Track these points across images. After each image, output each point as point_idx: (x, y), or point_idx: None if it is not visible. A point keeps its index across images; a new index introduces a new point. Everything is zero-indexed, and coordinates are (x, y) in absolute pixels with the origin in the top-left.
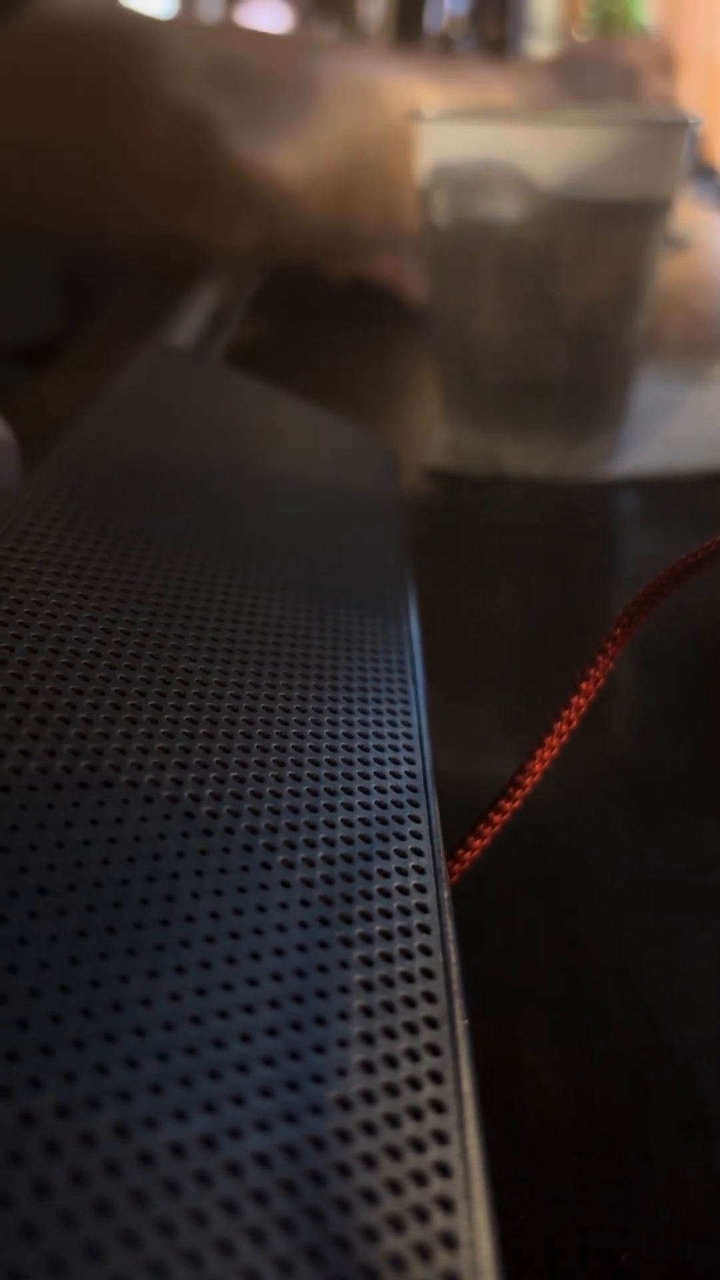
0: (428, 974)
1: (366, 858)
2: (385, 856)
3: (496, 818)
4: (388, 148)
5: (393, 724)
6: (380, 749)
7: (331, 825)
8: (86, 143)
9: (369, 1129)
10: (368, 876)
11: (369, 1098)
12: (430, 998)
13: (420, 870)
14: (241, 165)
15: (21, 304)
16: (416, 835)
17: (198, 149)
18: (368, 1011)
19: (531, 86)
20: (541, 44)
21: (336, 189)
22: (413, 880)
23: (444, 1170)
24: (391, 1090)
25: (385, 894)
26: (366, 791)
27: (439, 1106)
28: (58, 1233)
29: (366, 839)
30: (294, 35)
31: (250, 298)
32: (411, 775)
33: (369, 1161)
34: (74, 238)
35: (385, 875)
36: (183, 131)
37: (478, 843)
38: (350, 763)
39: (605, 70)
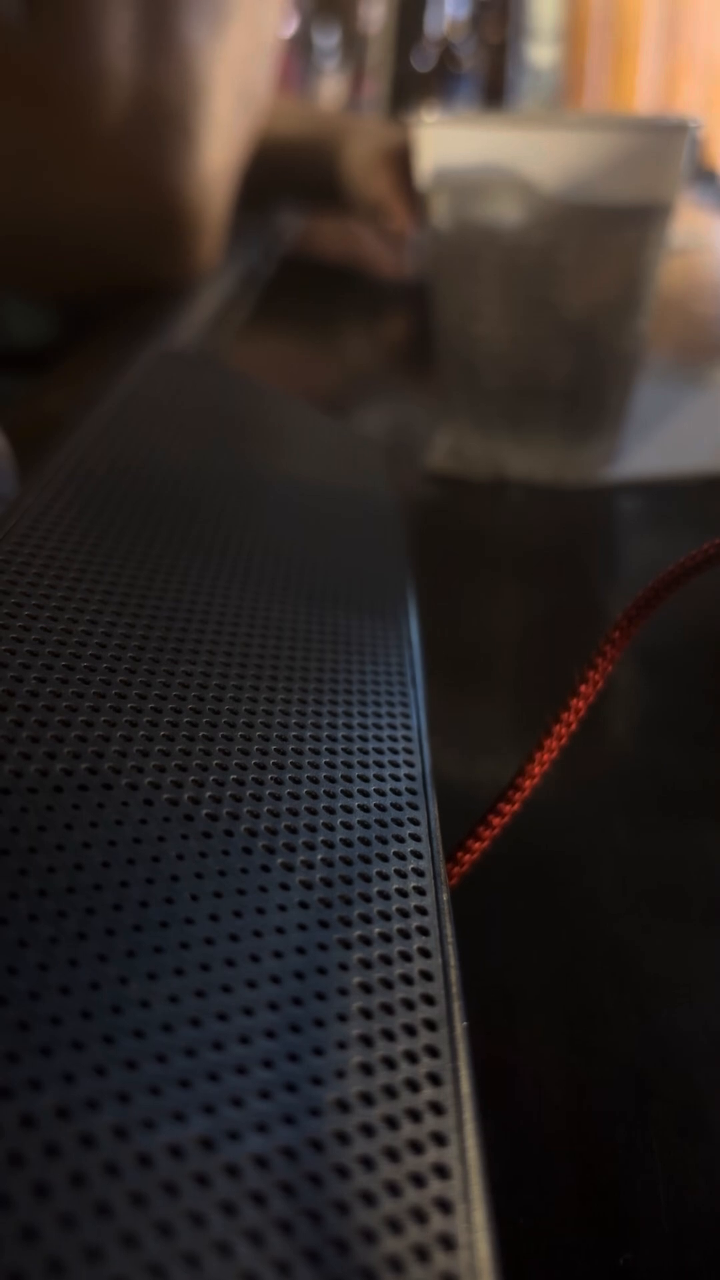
0: (427, 976)
1: (366, 860)
2: (384, 859)
3: (496, 820)
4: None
5: (392, 726)
6: (380, 751)
7: (331, 828)
8: (25, 191)
9: (367, 1131)
10: (367, 879)
11: (367, 1100)
12: (429, 1000)
13: (420, 873)
14: (183, 190)
15: (22, 308)
16: (416, 838)
17: (143, 189)
18: (366, 1014)
19: None
20: (542, 48)
21: (236, 172)
22: (412, 882)
23: (442, 1172)
24: (390, 1092)
25: (384, 896)
26: (366, 794)
27: (437, 1109)
28: (58, 1234)
29: (366, 841)
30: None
31: (252, 300)
32: (411, 778)
33: (367, 1163)
34: (30, 288)
35: (384, 877)
36: (123, 173)
37: (477, 845)
38: (350, 765)
39: None
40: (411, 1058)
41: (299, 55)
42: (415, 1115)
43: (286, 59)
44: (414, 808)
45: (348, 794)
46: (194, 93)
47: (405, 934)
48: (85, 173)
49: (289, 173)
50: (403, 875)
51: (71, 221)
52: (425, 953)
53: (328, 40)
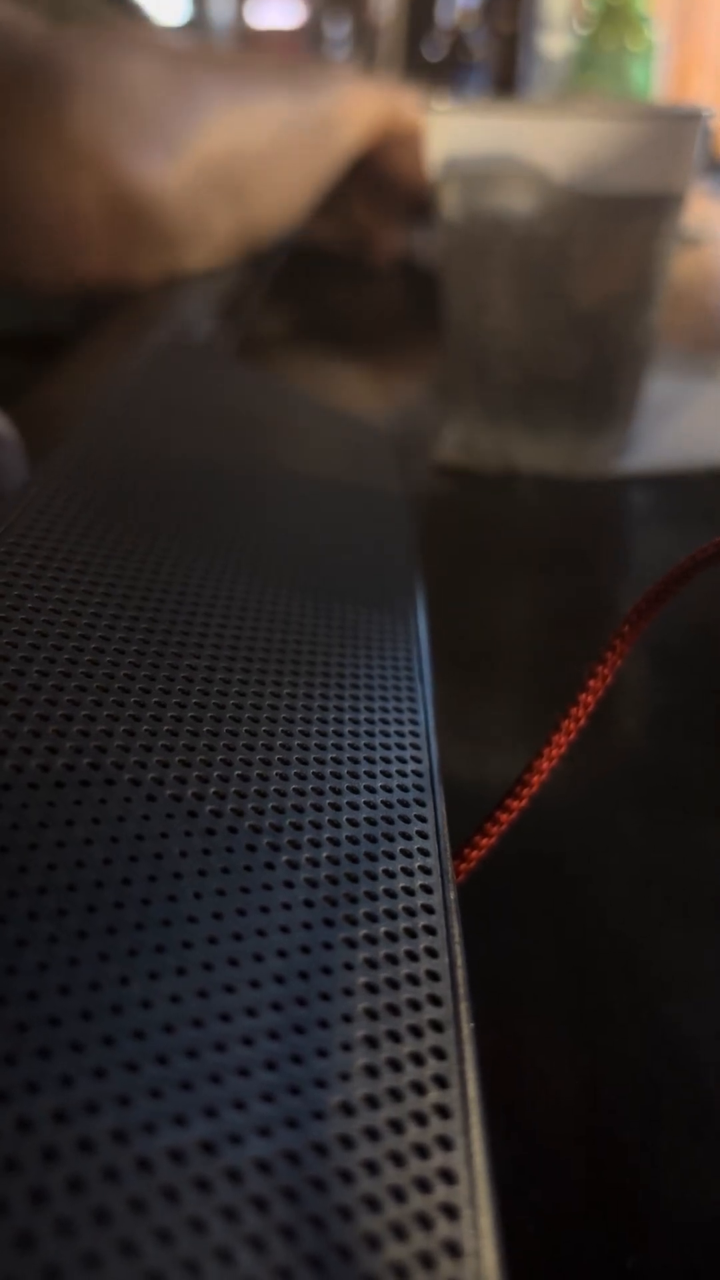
0: (433, 976)
1: (372, 857)
2: (391, 856)
3: (504, 817)
4: (274, 154)
5: (399, 722)
6: (386, 747)
7: (336, 824)
8: None
9: (372, 1134)
10: (373, 876)
11: (372, 1102)
12: (436, 1001)
13: (426, 870)
14: (141, 196)
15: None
16: (423, 835)
17: (99, 186)
18: (372, 1014)
19: None
20: (554, 38)
21: (231, 200)
22: (419, 880)
23: (448, 1176)
24: (395, 1095)
25: (390, 894)
26: (372, 790)
27: (444, 1112)
28: (55, 1241)
29: (372, 838)
30: (182, 49)
31: (261, 290)
32: (418, 774)
33: (372, 1167)
34: None
35: (391, 875)
36: (84, 168)
37: (485, 842)
38: (356, 761)
39: None
40: (417, 1060)
41: (310, 46)
42: (421, 1119)
43: (297, 49)
44: (421, 804)
45: (354, 790)
46: (186, 107)
47: (411, 933)
48: (53, 158)
49: None
50: (409, 873)
51: (34, 207)
52: (432, 952)
53: (339, 31)
